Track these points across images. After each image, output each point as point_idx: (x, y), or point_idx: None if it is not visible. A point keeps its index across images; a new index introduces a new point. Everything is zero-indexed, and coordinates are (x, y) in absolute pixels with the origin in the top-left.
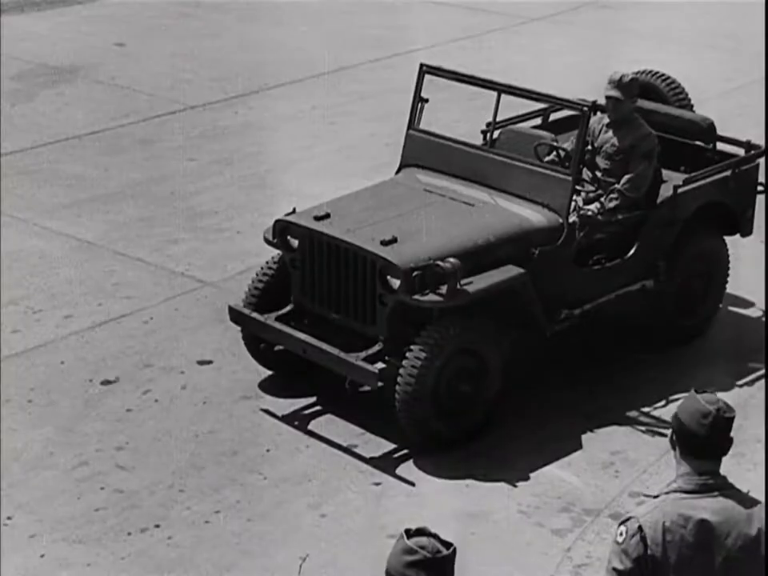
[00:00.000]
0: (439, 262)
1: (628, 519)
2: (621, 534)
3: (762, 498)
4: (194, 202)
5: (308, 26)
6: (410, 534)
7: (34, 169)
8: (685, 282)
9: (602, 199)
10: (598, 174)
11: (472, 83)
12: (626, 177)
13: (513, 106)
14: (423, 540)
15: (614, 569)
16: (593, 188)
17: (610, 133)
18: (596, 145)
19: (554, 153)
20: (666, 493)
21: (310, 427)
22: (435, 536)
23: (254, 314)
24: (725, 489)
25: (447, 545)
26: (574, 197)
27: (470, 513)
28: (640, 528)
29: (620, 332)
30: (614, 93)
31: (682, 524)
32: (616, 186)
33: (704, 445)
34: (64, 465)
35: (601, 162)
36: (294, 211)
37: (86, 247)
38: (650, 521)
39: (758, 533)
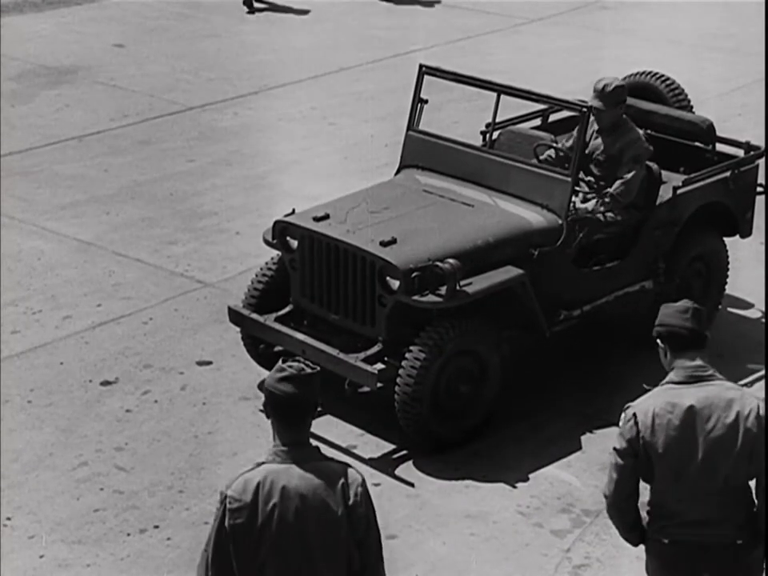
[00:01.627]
0: (438, 263)
1: (627, 408)
2: (621, 420)
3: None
4: (193, 203)
5: (308, 27)
6: (284, 361)
7: (33, 170)
8: (684, 282)
9: (595, 202)
10: (591, 179)
11: (471, 84)
12: (618, 182)
13: (512, 107)
14: (294, 363)
15: (614, 448)
16: (591, 189)
17: (600, 139)
18: (587, 151)
19: (549, 152)
20: (661, 385)
21: None
22: (306, 363)
23: (254, 315)
24: (710, 379)
25: (313, 368)
26: (573, 197)
27: (469, 514)
28: (634, 415)
29: (620, 332)
30: (596, 103)
31: (670, 410)
32: (609, 190)
33: (689, 337)
34: (63, 465)
35: (592, 168)
36: (293, 212)
37: (85, 248)
38: (643, 409)
39: (736, 416)
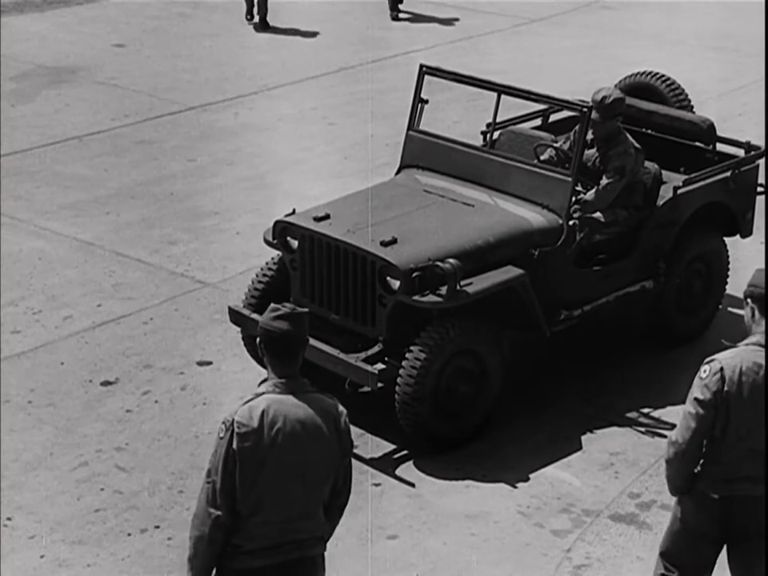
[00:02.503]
0: (439, 263)
1: (712, 360)
2: (705, 372)
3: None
4: (193, 203)
5: (308, 27)
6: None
7: (33, 169)
8: (684, 282)
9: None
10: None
11: (472, 84)
12: (594, 189)
13: (512, 107)
14: (286, 304)
15: (696, 398)
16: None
17: (594, 150)
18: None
19: (550, 151)
20: (746, 345)
21: None
22: (294, 305)
23: (254, 315)
24: None
25: (302, 310)
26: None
27: (469, 514)
28: (722, 369)
29: (620, 332)
30: (593, 115)
31: (756, 371)
32: (582, 196)
33: None
34: (64, 466)
35: (582, 177)
36: (293, 212)
37: (85, 248)
38: (731, 365)
39: None
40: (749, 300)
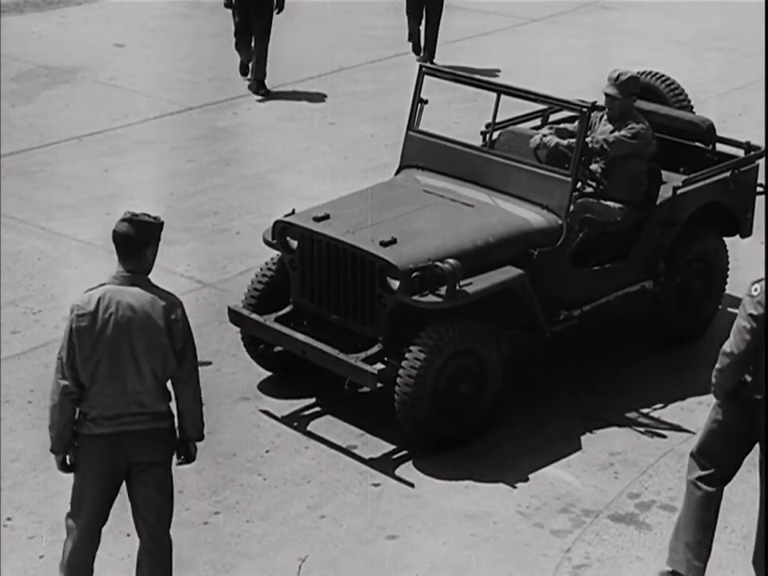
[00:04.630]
0: (438, 263)
1: (761, 280)
2: (755, 290)
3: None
4: (193, 203)
5: (308, 27)
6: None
7: (33, 170)
8: (684, 282)
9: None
10: (593, 167)
11: (471, 84)
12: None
13: (512, 107)
14: (140, 213)
15: (750, 314)
16: (591, 188)
17: (609, 126)
18: (594, 138)
19: (548, 139)
20: None
21: (309, 428)
22: (154, 217)
23: (254, 315)
24: None
25: (154, 219)
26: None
27: (469, 514)
28: None
29: (620, 333)
30: (610, 90)
31: None
32: (601, 137)
33: None
34: None
35: (596, 155)
36: (293, 212)
37: (85, 248)
38: None
39: None
40: None
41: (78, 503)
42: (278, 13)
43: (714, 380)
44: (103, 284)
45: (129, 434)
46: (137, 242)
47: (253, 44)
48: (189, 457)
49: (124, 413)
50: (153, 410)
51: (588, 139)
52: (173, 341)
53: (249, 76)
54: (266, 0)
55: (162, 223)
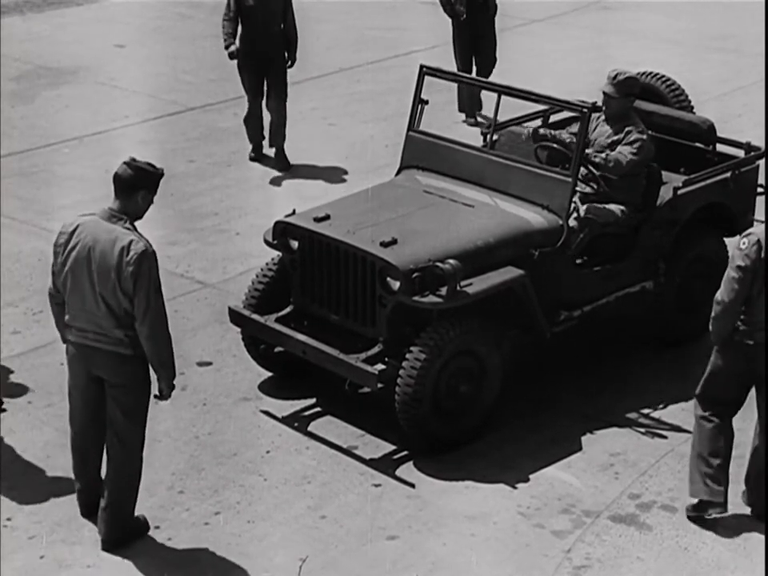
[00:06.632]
0: (439, 264)
1: (749, 234)
2: (743, 243)
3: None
4: (193, 204)
5: (308, 27)
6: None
7: (33, 170)
8: (685, 283)
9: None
10: (591, 170)
11: (471, 84)
12: (614, 152)
13: (512, 107)
14: (144, 161)
15: (738, 265)
16: (591, 189)
17: (607, 127)
18: (591, 137)
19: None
20: None
21: (309, 429)
22: (154, 165)
23: (254, 316)
24: None
25: (156, 169)
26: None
27: (469, 514)
28: (758, 240)
29: (620, 333)
30: (607, 89)
31: None
32: (599, 156)
33: None
34: (63, 466)
35: (592, 153)
36: (293, 212)
37: None
38: (764, 236)
39: None
40: None
41: (70, 407)
42: (290, 67)
43: (710, 327)
44: (93, 214)
45: (92, 349)
46: (127, 183)
47: (264, 102)
48: (160, 393)
49: (87, 328)
50: (110, 334)
51: (599, 158)
52: (120, 280)
53: (262, 150)
54: (281, 53)
55: (160, 174)
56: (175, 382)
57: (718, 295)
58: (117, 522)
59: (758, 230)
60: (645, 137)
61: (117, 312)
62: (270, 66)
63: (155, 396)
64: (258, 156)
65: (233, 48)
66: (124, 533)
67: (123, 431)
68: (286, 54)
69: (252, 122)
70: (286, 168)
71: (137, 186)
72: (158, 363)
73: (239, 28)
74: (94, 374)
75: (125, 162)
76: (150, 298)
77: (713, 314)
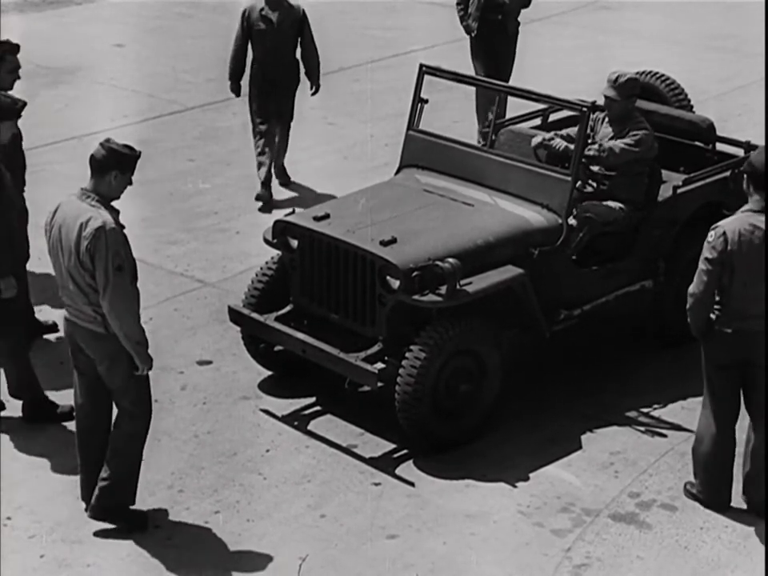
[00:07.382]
0: (439, 263)
1: (717, 227)
2: (711, 237)
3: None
4: (193, 203)
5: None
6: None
7: (33, 170)
8: (685, 282)
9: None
10: (594, 168)
11: (471, 84)
12: (612, 142)
13: (512, 107)
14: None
15: (706, 258)
16: (592, 188)
17: (609, 128)
18: (594, 138)
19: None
20: (742, 212)
21: (309, 427)
22: (131, 147)
23: (254, 315)
24: None
25: (133, 151)
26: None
27: (469, 513)
28: (724, 233)
29: (620, 332)
30: (609, 92)
31: (752, 230)
32: (595, 146)
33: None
34: (63, 465)
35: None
36: (293, 212)
37: None
38: (731, 228)
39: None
40: (745, 175)
41: (73, 385)
42: (313, 94)
43: (688, 320)
44: (75, 194)
45: (75, 324)
46: (100, 163)
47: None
48: (136, 369)
49: (70, 304)
50: (83, 311)
51: (592, 150)
52: (80, 255)
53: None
54: (293, 80)
55: (134, 155)
56: (174, 379)
57: (691, 288)
58: (109, 492)
59: (726, 221)
60: (644, 131)
61: (84, 288)
62: (280, 91)
63: (134, 371)
64: (267, 187)
65: (233, 87)
66: (114, 503)
67: (122, 409)
68: (300, 80)
69: (266, 151)
70: (286, 183)
71: (109, 166)
72: (123, 338)
73: (249, 51)
74: (84, 350)
75: (100, 143)
76: (108, 274)
77: (687, 306)
